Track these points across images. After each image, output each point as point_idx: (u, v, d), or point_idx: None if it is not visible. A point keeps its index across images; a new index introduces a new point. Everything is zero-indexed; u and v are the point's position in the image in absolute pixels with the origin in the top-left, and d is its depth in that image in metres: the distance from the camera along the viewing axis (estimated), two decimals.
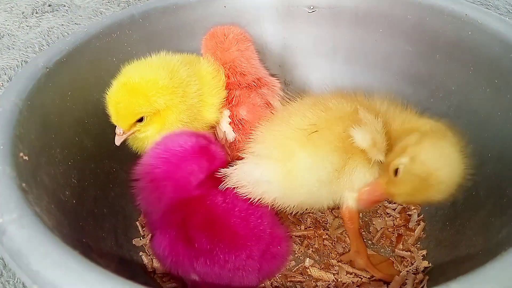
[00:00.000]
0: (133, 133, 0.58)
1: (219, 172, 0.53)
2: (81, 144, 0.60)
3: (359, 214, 0.59)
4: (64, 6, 1.26)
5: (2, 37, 1.15)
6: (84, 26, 0.65)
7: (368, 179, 0.52)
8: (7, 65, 1.04)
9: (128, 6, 1.19)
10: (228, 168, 0.53)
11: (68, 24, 1.17)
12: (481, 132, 0.60)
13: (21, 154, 0.45)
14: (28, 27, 1.18)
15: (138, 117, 0.56)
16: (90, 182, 0.60)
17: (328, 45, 0.79)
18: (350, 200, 0.54)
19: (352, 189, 0.53)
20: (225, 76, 0.63)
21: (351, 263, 0.61)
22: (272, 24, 0.79)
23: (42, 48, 1.09)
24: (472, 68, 0.61)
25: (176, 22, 0.74)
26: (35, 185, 0.44)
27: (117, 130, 0.57)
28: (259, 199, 0.51)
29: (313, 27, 0.78)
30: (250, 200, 0.51)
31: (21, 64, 1.03)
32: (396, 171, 0.49)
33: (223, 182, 0.51)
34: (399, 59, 0.72)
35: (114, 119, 0.57)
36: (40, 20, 1.20)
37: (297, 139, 0.51)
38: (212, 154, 0.53)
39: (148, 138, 0.60)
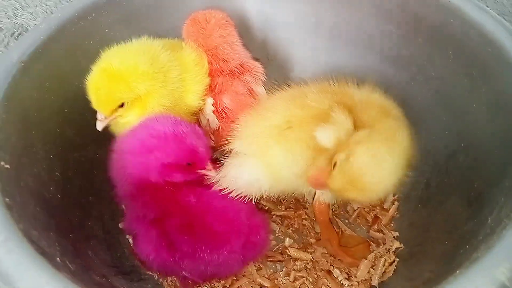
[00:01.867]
0: (114, 118, 0.58)
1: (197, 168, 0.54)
2: (63, 135, 0.61)
3: (329, 207, 0.62)
4: None
5: None
6: (56, 11, 0.62)
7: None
8: None
9: None
10: (212, 171, 0.54)
11: None
12: (456, 120, 0.62)
13: (2, 163, 0.45)
14: None
15: (119, 103, 0.56)
16: (74, 172, 0.61)
17: (311, 20, 0.77)
18: (320, 195, 0.57)
19: None
20: (208, 63, 0.63)
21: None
22: None
23: (16, 12, 1.05)
24: (452, 56, 0.62)
25: (155, 0, 0.71)
26: (19, 194, 0.45)
27: (98, 116, 0.57)
28: (249, 195, 0.54)
29: (296, 2, 0.76)
30: (226, 195, 0.53)
31: None
32: (334, 165, 0.50)
33: (212, 186, 0.53)
34: (381, 39, 0.72)
35: (95, 105, 0.57)
36: None
37: (272, 135, 0.53)
38: (186, 146, 0.53)
39: (129, 122, 0.60)
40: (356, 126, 0.54)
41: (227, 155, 0.57)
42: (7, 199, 0.41)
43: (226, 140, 0.59)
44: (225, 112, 0.63)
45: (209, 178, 0.54)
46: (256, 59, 0.68)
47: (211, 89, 0.63)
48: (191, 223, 0.51)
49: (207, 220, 0.51)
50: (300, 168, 0.53)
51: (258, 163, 0.54)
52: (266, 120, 0.55)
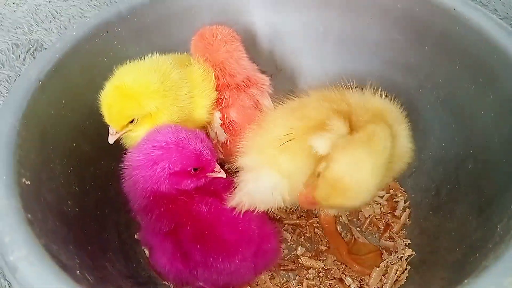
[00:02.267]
0: (125, 132, 0.60)
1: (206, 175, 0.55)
2: (79, 150, 0.63)
3: (334, 217, 0.63)
4: None
5: None
6: (71, 29, 0.64)
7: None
8: None
9: None
10: (222, 172, 0.55)
11: (55, 0, 1.14)
12: (464, 127, 0.62)
13: (23, 179, 0.47)
14: (14, 4, 1.16)
15: (130, 119, 0.58)
16: (90, 185, 0.63)
17: (319, 30, 0.78)
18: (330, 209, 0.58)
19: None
20: (215, 78, 0.64)
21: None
22: (262, 10, 0.78)
23: (31, 28, 1.08)
24: (459, 63, 0.62)
25: (164, 14, 0.73)
26: (39, 209, 0.47)
27: (111, 130, 0.59)
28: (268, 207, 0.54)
29: (303, 12, 0.77)
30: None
31: (12, 48, 1.02)
32: (318, 175, 0.51)
33: (234, 208, 0.54)
34: (388, 47, 0.72)
35: (107, 120, 0.59)
36: None
37: (276, 147, 0.54)
38: (189, 152, 0.53)
39: (140, 136, 0.61)
40: (353, 132, 0.54)
41: (238, 173, 0.57)
42: (29, 215, 0.43)
43: (234, 156, 0.59)
44: (232, 126, 0.64)
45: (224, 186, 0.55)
46: (263, 72, 0.69)
47: (219, 103, 0.64)
48: (203, 233, 0.52)
49: (218, 229, 0.53)
50: (306, 177, 0.54)
51: (272, 170, 0.54)
52: (268, 133, 0.55)
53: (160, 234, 0.53)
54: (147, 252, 0.67)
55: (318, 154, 0.52)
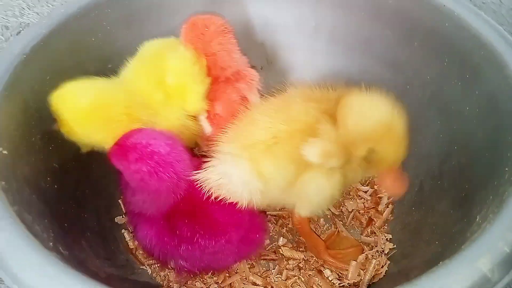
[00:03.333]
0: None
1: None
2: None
3: (308, 218, 0.64)
4: None
5: None
6: (61, 7, 0.64)
7: (324, 187, 0.54)
8: None
9: None
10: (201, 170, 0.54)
11: None
12: (450, 124, 0.62)
13: (0, 148, 0.46)
14: None
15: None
16: (71, 165, 0.62)
17: (310, 24, 0.78)
18: (301, 210, 0.58)
19: (306, 197, 0.55)
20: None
21: None
22: (255, 2, 0.78)
23: (22, 11, 1.07)
24: (447, 60, 0.63)
25: (156, 0, 0.73)
26: (15, 179, 0.46)
27: None
28: (237, 198, 0.53)
29: (296, 6, 0.78)
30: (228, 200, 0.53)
31: (1, 30, 1.01)
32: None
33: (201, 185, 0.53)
34: (378, 43, 0.73)
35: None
36: None
37: (260, 149, 0.52)
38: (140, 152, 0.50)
39: None
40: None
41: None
42: (3, 183, 0.42)
43: (216, 142, 0.57)
44: (216, 119, 0.63)
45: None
46: (253, 67, 0.68)
47: (205, 96, 0.63)
48: (194, 209, 0.52)
49: (210, 208, 0.52)
50: (286, 182, 0.53)
51: (252, 168, 0.52)
52: (253, 135, 0.54)
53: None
54: (126, 236, 0.66)
55: (310, 162, 0.51)
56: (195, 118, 0.64)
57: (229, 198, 0.52)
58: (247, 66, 0.68)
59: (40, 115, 0.57)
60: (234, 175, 0.52)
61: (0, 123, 0.49)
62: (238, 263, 0.62)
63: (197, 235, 0.53)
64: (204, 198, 0.53)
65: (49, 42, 0.60)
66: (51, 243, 0.43)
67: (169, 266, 0.58)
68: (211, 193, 0.52)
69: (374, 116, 0.51)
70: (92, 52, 0.67)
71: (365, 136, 0.51)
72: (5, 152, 0.47)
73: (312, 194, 0.55)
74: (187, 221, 0.53)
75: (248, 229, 0.57)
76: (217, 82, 0.64)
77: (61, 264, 0.36)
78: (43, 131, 0.57)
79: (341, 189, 0.56)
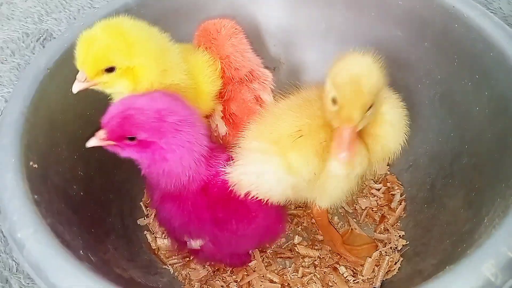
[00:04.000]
0: (96, 84, 0.53)
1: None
2: (85, 136, 0.64)
3: (326, 211, 0.66)
4: None
5: (1, 5, 1.15)
6: (80, 19, 0.66)
7: (342, 186, 0.56)
8: (8, 37, 1.05)
9: None
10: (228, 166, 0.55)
11: None
12: (460, 123, 0.64)
13: (31, 163, 0.49)
14: None
15: (110, 64, 0.51)
16: (95, 171, 0.65)
17: (322, 25, 0.79)
18: (322, 203, 0.60)
19: (325, 191, 0.57)
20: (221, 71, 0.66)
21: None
22: (268, 5, 0.80)
23: (41, 18, 1.10)
24: (457, 60, 0.63)
25: (171, 6, 0.75)
26: (46, 191, 0.49)
27: (79, 75, 0.51)
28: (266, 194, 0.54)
29: (307, 7, 0.79)
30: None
31: (22, 37, 1.05)
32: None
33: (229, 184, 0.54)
34: (389, 43, 0.74)
35: (80, 61, 0.51)
36: None
37: (287, 142, 0.54)
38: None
39: (115, 94, 0.56)
40: None
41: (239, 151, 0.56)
42: (36, 196, 0.45)
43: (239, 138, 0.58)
44: (232, 118, 0.66)
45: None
46: (266, 67, 0.70)
47: (221, 96, 0.66)
48: (229, 194, 0.54)
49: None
50: (310, 173, 0.55)
51: (282, 163, 0.53)
52: (278, 129, 0.55)
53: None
54: (148, 237, 0.70)
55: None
56: (208, 117, 0.66)
57: (262, 196, 0.54)
58: (260, 66, 0.70)
59: (64, 125, 0.60)
60: (267, 174, 0.53)
61: (29, 137, 0.52)
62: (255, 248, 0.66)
63: (233, 219, 0.55)
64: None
65: (71, 55, 0.62)
66: (81, 251, 0.46)
67: (188, 252, 0.62)
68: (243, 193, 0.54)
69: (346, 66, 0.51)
70: None
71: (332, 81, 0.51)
72: (35, 165, 0.50)
73: (333, 187, 0.57)
74: (223, 205, 0.55)
75: (274, 218, 0.60)
76: (232, 82, 0.67)
77: (92, 273, 0.39)
78: (68, 140, 0.60)
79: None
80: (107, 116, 0.48)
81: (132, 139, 0.49)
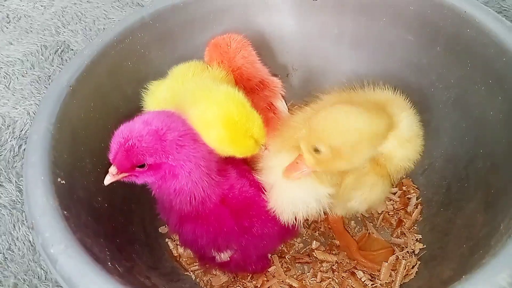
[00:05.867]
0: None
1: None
2: (107, 149, 0.66)
3: (341, 218, 0.68)
4: None
5: (20, 19, 1.18)
6: (97, 36, 0.69)
7: (359, 196, 0.57)
8: (27, 50, 1.08)
9: None
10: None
11: (80, 3, 1.19)
12: (475, 127, 0.64)
13: (59, 179, 0.52)
14: (42, 7, 1.21)
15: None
16: (117, 182, 0.67)
17: (333, 31, 0.80)
18: (338, 210, 0.61)
19: (343, 201, 0.58)
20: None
21: None
22: (280, 12, 0.81)
23: (58, 30, 1.13)
24: (470, 64, 0.64)
25: (186, 19, 0.76)
26: (73, 205, 0.52)
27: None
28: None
29: (319, 14, 0.80)
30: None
31: (41, 49, 1.08)
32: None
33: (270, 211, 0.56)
34: (401, 48, 0.74)
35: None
36: None
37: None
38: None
39: None
40: None
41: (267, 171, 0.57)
42: (65, 212, 0.48)
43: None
44: None
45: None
46: (275, 75, 0.72)
47: None
48: (248, 200, 0.56)
49: (260, 199, 0.57)
50: (336, 185, 0.56)
51: (315, 182, 0.54)
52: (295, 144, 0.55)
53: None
54: (170, 244, 0.72)
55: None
56: None
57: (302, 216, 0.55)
58: (268, 75, 0.72)
59: (87, 139, 0.63)
60: (304, 195, 0.54)
61: (56, 153, 0.54)
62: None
63: (256, 224, 0.57)
64: (252, 192, 0.57)
65: (91, 71, 0.65)
66: (109, 263, 0.48)
67: (214, 265, 0.64)
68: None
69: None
70: (129, 74, 0.71)
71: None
72: (63, 182, 0.52)
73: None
74: (245, 212, 0.57)
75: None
76: (245, 93, 0.68)
77: (121, 285, 0.41)
78: (91, 154, 0.62)
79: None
80: (112, 152, 0.51)
81: (142, 166, 0.51)
